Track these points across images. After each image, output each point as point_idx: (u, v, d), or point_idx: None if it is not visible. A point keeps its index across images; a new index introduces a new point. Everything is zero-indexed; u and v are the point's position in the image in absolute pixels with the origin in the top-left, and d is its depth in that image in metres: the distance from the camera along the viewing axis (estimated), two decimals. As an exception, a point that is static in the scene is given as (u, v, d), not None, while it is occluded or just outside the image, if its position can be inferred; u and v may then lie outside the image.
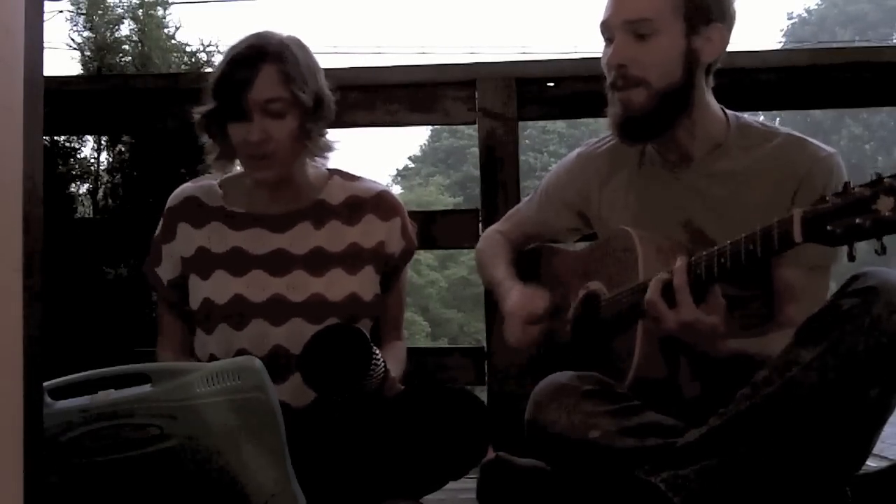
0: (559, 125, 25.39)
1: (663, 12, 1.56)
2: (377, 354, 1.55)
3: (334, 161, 1.85)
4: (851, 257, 1.24)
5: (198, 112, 1.71)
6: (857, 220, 1.19)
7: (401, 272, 1.83)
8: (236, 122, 1.66)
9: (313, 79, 1.70)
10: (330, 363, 1.52)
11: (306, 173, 1.78)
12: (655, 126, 1.61)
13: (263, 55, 1.65)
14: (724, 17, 1.60)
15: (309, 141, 1.70)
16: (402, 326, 1.87)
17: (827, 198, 1.23)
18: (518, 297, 1.73)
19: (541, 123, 22.90)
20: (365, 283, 1.74)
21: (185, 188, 1.82)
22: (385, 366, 1.57)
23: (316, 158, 1.78)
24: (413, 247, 1.83)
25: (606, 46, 1.63)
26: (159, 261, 1.79)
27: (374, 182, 1.83)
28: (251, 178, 1.74)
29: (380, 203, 1.79)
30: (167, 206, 1.81)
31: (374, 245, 1.77)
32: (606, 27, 1.62)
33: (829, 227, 1.22)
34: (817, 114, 22.83)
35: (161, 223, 1.81)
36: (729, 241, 1.38)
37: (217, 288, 1.72)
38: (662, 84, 1.58)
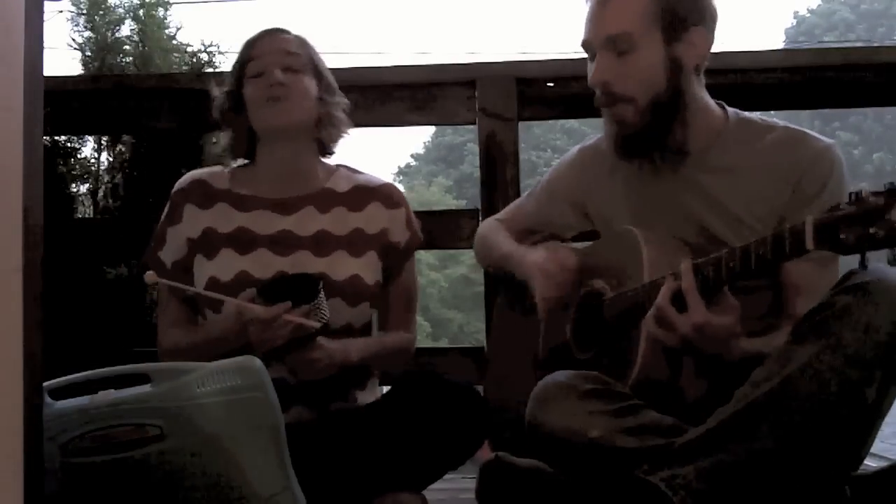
0: (571, 121, 25.37)
1: (642, 24, 1.57)
2: (323, 302, 1.61)
3: (333, 161, 1.88)
4: (863, 266, 1.24)
5: (220, 89, 1.80)
6: (871, 230, 1.18)
7: (405, 263, 1.85)
8: (255, 78, 1.75)
9: (326, 70, 1.82)
10: (285, 287, 1.62)
11: (314, 163, 1.82)
12: (650, 138, 1.62)
13: (285, 31, 1.80)
14: (704, 19, 1.61)
15: (324, 108, 1.77)
16: (410, 322, 1.88)
17: (840, 205, 1.22)
18: (547, 253, 1.73)
19: (548, 121, 22.88)
20: (368, 267, 1.76)
21: (193, 173, 1.86)
22: (326, 320, 1.61)
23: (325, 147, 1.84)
24: (418, 239, 1.86)
25: (590, 64, 1.64)
26: (163, 244, 1.80)
27: (379, 177, 1.88)
28: (266, 123, 1.77)
29: (386, 192, 1.84)
30: (174, 189, 1.83)
31: (377, 231, 1.80)
32: (588, 45, 1.64)
33: (841, 236, 1.21)
34: (805, 121, 23.04)
35: (167, 207, 1.83)
36: (738, 246, 1.38)
37: (223, 266, 1.73)
38: (648, 98, 1.59)
